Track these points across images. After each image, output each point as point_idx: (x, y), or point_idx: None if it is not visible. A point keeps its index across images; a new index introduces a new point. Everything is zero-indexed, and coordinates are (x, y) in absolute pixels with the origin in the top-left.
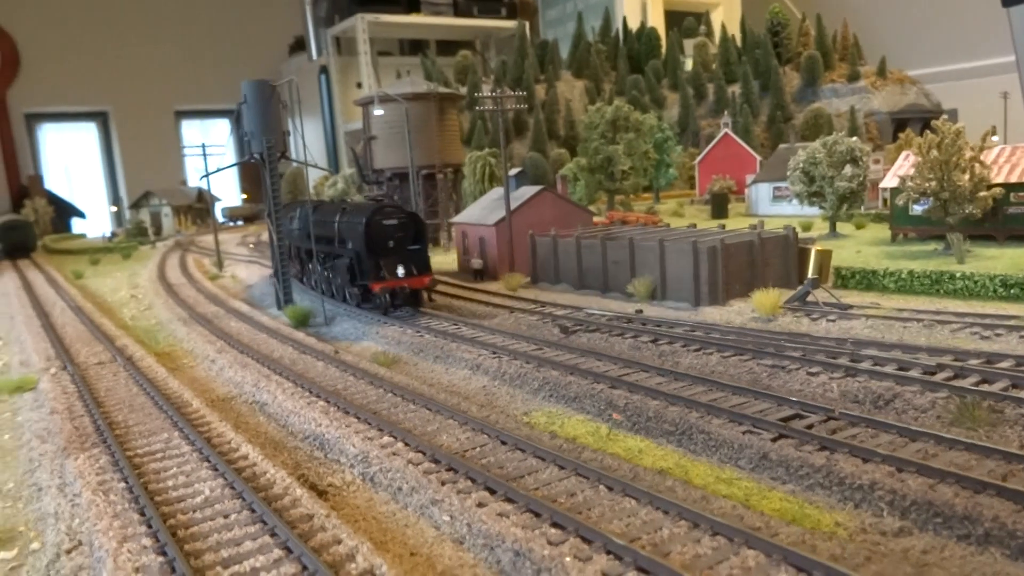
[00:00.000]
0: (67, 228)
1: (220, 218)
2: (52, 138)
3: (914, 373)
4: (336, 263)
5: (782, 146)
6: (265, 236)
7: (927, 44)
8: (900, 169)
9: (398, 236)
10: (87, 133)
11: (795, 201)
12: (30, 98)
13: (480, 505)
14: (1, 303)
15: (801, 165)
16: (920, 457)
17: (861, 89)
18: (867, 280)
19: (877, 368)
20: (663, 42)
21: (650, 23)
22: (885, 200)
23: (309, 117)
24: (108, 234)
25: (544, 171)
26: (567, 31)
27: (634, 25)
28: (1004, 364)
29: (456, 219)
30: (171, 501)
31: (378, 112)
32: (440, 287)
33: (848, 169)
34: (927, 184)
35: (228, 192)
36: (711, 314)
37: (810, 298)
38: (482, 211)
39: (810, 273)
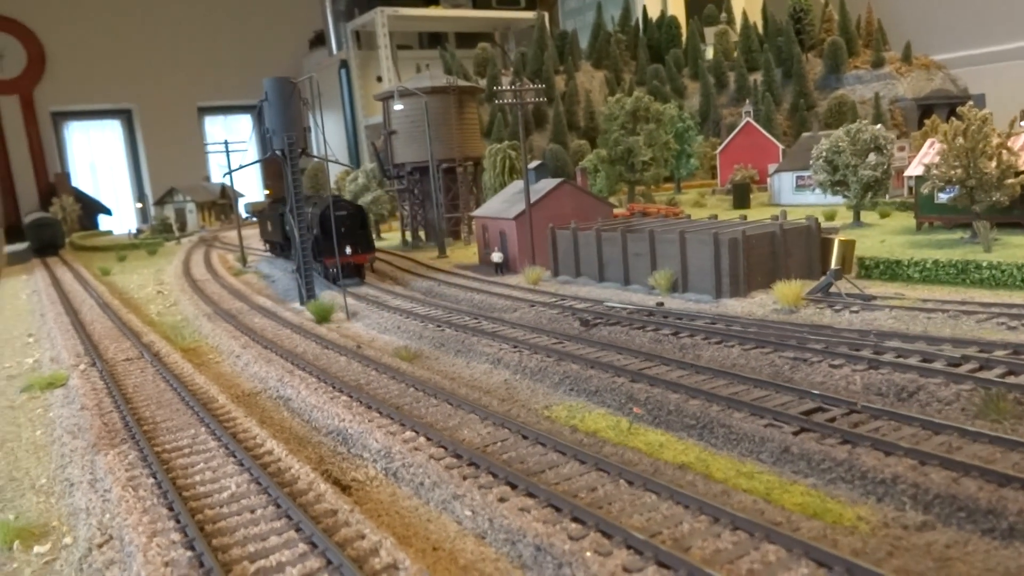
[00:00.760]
0: (94, 225)
1: (243, 213)
2: (78, 136)
3: (938, 365)
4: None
5: (805, 134)
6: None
7: (954, 27)
8: (925, 157)
9: (347, 224)
10: (112, 131)
11: (818, 190)
12: (56, 97)
13: (501, 500)
14: (32, 301)
15: (824, 154)
16: (944, 450)
17: (886, 75)
18: (891, 270)
19: (900, 360)
20: (683, 30)
21: (670, 12)
22: (910, 188)
23: (330, 112)
24: (134, 231)
25: (564, 163)
26: (586, 21)
27: (654, 14)
28: None
29: (476, 213)
30: (199, 496)
31: (398, 107)
32: (460, 281)
33: (872, 157)
34: (953, 172)
35: (251, 187)
36: (732, 306)
37: (833, 289)
38: (502, 204)
39: (833, 264)
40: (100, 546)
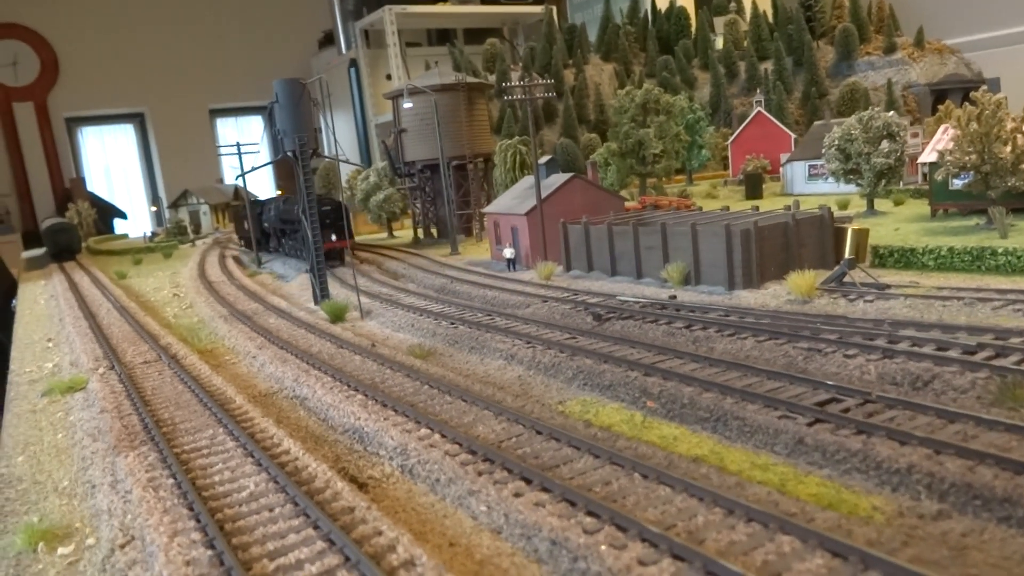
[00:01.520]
0: (110, 229)
1: None
2: (92, 141)
3: (953, 353)
4: (295, 235)
5: (817, 123)
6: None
7: (967, 10)
8: (939, 143)
9: (330, 216)
10: (125, 135)
11: (831, 179)
12: (69, 103)
13: (516, 495)
14: (50, 305)
15: (836, 142)
16: (959, 439)
17: (898, 61)
18: (905, 258)
19: (915, 349)
20: (693, 21)
21: (679, 2)
22: (924, 175)
23: (340, 111)
24: (149, 234)
25: (575, 157)
26: (595, 14)
27: (663, 5)
28: None
29: (487, 209)
30: (218, 496)
31: (407, 105)
32: (473, 278)
33: (885, 144)
34: (967, 158)
35: (264, 188)
36: (746, 298)
37: (847, 279)
38: (513, 200)
39: (846, 253)
40: (122, 546)
